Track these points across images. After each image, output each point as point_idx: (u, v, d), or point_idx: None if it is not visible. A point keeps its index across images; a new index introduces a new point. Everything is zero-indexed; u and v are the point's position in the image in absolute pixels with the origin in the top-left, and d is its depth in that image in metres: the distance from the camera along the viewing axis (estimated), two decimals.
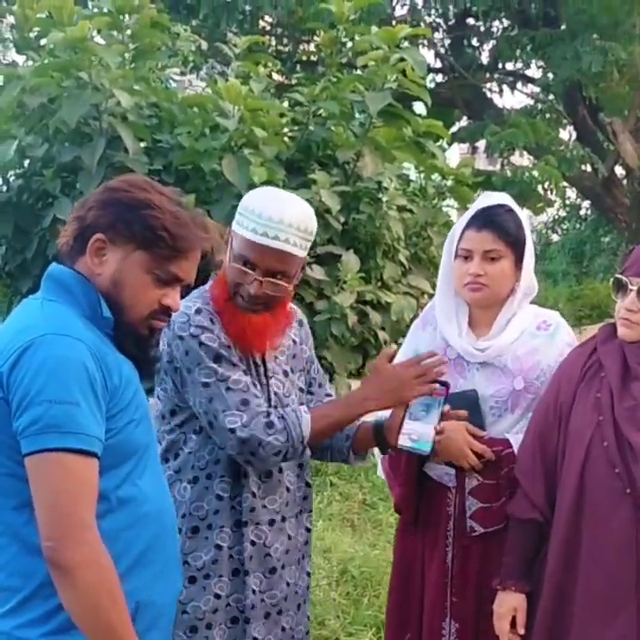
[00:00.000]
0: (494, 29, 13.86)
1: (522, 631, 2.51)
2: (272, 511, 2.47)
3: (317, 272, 6.19)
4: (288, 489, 2.51)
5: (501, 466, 2.61)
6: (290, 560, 2.53)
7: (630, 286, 2.38)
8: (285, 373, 2.54)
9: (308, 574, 2.65)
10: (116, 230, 1.91)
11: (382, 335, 6.66)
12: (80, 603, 1.74)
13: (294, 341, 2.61)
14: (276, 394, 2.48)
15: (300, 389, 2.59)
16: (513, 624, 2.52)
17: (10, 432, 1.77)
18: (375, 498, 5.48)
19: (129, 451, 1.90)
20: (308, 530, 2.64)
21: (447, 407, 2.58)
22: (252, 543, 2.44)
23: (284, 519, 2.50)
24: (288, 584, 2.52)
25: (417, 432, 2.44)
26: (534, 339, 2.69)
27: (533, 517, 2.49)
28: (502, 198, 2.74)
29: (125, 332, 1.94)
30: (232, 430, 2.31)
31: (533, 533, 2.52)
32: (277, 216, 2.34)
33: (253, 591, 2.44)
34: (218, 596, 2.41)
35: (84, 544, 1.74)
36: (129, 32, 6.10)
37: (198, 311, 2.41)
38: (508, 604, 2.51)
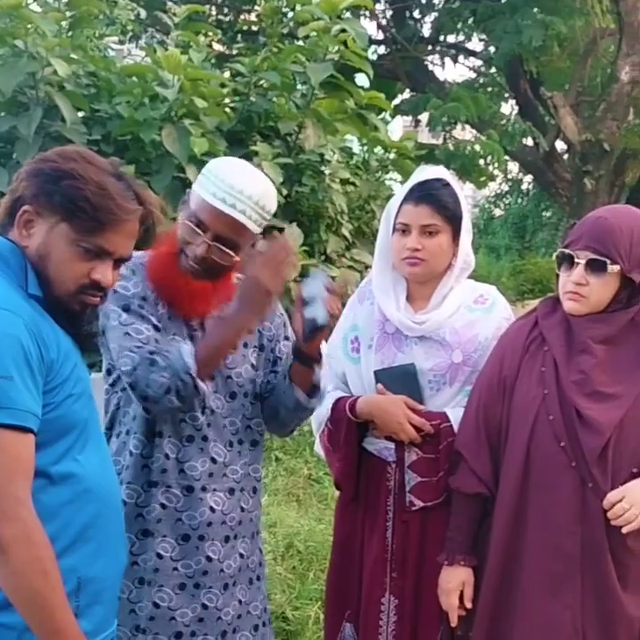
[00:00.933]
0: (436, 1, 13.82)
1: (469, 605, 2.53)
2: (191, 477, 2.42)
3: (261, 245, 6.12)
4: (214, 460, 2.45)
5: (440, 440, 2.61)
6: (213, 533, 2.46)
7: (577, 260, 2.38)
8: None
9: (242, 556, 2.55)
10: (39, 202, 1.86)
11: None
12: (13, 580, 1.72)
13: (215, 305, 2.52)
14: None
15: (252, 366, 2.54)
16: (460, 598, 2.52)
17: None
18: (320, 472, 5.48)
19: (68, 426, 1.86)
20: (242, 509, 2.55)
21: (379, 385, 2.61)
22: (162, 506, 2.40)
23: (205, 489, 2.44)
24: (209, 559, 2.46)
25: (312, 313, 2.32)
26: (472, 312, 2.70)
27: (479, 492, 2.50)
28: (439, 172, 2.73)
29: (56, 307, 1.89)
30: (125, 373, 2.30)
31: (478, 507, 2.53)
32: (239, 186, 2.33)
33: (159, 555, 2.40)
34: None
35: (17, 520, 1.70)
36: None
37: None
38: (457, 579, 2.52)
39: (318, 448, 2.90)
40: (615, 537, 2.31)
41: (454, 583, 2.52)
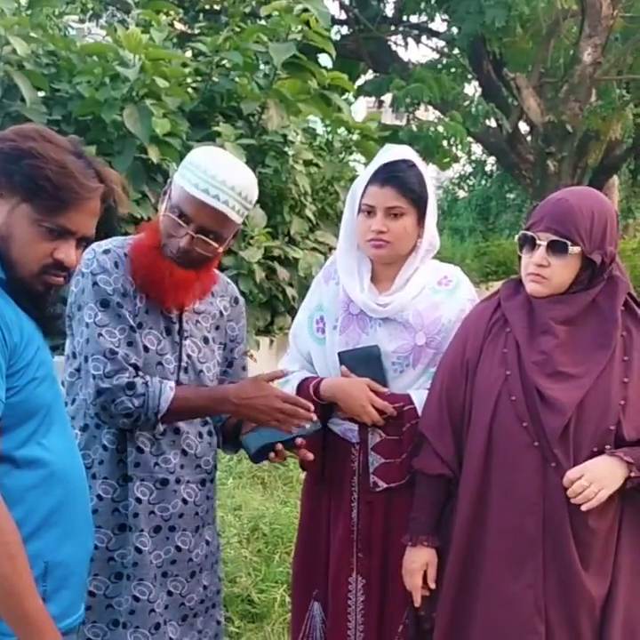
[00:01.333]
0: None
1: (433, 585, 2.54)
2: (165, 470, 2.42)
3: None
4: (185, 452, 2.46)
5: (403, 422, 2.62)
6: (184, 524, 2.48)
7: (538, 241, 2.39)
8: (205, 340, 2.52)
9: (208, 543, 2.57)
10: (0, 182, 1.82)
11: (290, 291, 6.63)
12: None
13: (221, 313, 2.58)
14: (188, 356, 2.46)
15: (218, 362, 2.56)
16: (424, 579, 2.53)
17: None
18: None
19: (31, 410, 1.84)
20: (209, 497, 2.59)
21: (343, 367, 2.63)
22: (138, 500, 2.40)
23: (179, 481, 2.45)
24: (179, 549, 2.47)
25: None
26: (435, 294, 2.70)
27: (443, 473, 2.51)
28: (404, 152, 2.72)
29: (19, 289, 1.85)
30: (93, 376, 2.30)
31: (442, 488, 2.54)
32: (222, 176, 2.33)
33: (138, 549, 2.40)
34: (95, 547, 2.34)
35: None
36: None
37: (106, 251, 2.39)
38: (420, 560, 2.53)
39: None
40: (577, 517, 2.32)
41: (417, 564, 2.53)
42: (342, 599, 2.71)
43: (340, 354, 2.68)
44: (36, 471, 1.84)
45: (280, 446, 2.41)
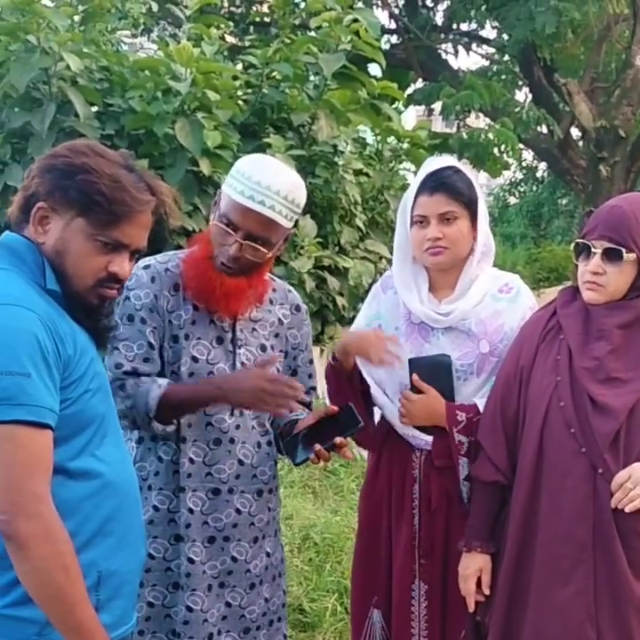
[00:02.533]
0: None
1: (487, 591, 2.55)
2: (217, 480, 2.44)
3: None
4: (241, 462, 2.48)
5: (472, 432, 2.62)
6: (239, 534, 2.49)
7: (594, 249, 2.39)
8: (262, 347, 2.52)
9: (268, 555, 2.58)
10: (54, 198, 1.86)
11: (340, 300, 6.65)
12: (34, 576, 1.72)
13: (281, 321, 2.59)
14: (243, 364, 2.47)
15: (277, 370, 2.55)
16: (478, 584, 2.55)
17: None
18: (336, 464, 5.48)
19: (85, 421, 1.87)
20: (270, 509, 2.59)
21: (415, 376, 2.62)
22: (190, 511, 2.43)
23: (231, 491, 2.46)
24: (235, 559, 2.49)
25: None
26: (497, 302, 2.69)
27: (497, 480, 2.51)
28: (448, 160, 2.74)
29: (74, 302, 1.90)
30: None
31: (497, 495, 2.55)
32: (266, 182, 2.34)
33: (190, 560, 2.42)
34: (152, 557, 2.40)
35: (37, 517, 1.71)
36: None
37: (146, 267, 2.44)
38: (474, 566, 2.54)
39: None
40: (625, 522, 2.31)
41: (471, 569, 2.55)
42: (406, 606, 2.72)
43: (410, 360, 2.66)
44: (90, 482, 1.86)
45: (318, 446, 2.37)
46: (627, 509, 2.28)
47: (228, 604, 2.49)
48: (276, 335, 2.58)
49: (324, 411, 2.45)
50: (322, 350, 6.75)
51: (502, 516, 2.54)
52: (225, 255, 2.37)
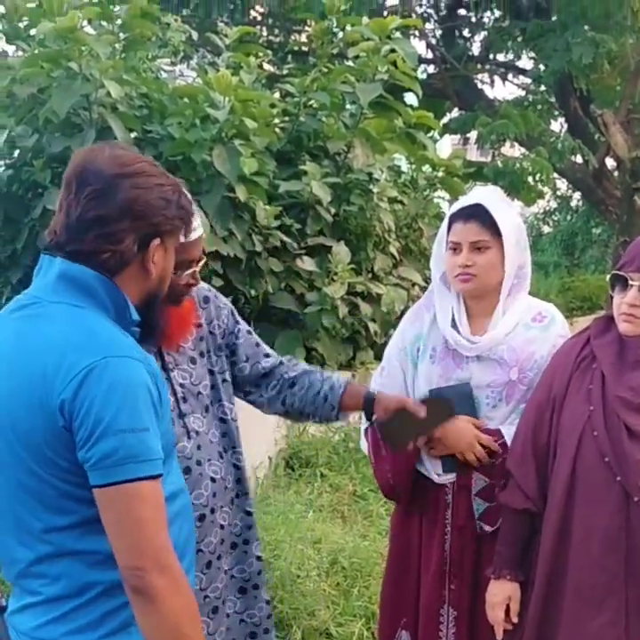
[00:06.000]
0: (485, 20, 13.78)
1: (515, 620, 2.55)
2: (199, 506, 2.41)
3: (308, 263, 6.19)
4: (213, 479, 2.46)
5: (496, 457, 2.64)
6: (225, 548, 2.50)
7: (631, 282, 2.40)
8: (193, 360, 2.50)
9: (259, 559, 2.61)
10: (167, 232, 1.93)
11: (373, 327, 6.68)
12: (164, 628, 1.74)
13: (199, 325, 2.55)
14: (181, 385, 2.44)
15: (210, 371, 2.54)
16: (506, 612, 2.55)
17: (70, 458, 1.75)
18: (365, 489, 5.48)
19: (169, 450, 1.91)
20: (248, 513, 2.60)
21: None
22: None
23: (213, 511, 2.45)
24: (225, 571, 2.50)
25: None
26: (529, 330, 2.71)
27: (527, 508, 2.52)
28: (490, 190, 2.79)
29: (156, 311, 1.98)
30: None
31: (526, 523, 2.55)
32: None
33: None
34: None
35: (168, 570, 1.74)
36: (119, 22, 6.05)
37: None
38: (503, 593, 2.55)
39: (363, 445, 2.92)
40: None
41: (500, 597, 2.55)
42: (434, 630, 2.74)
43: (431, 391, 2.71)
44: (170, 507, 1.86)
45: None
46: None
47: (228, 615, 2.52)
48: (201, 339, 2.54)
49: (407, 404, 2.53)
50: (353, 375, 6.77)
51: (532, 545, 2.54)
52: (178, 288, 2.34)
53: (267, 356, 2.68)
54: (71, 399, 1.71)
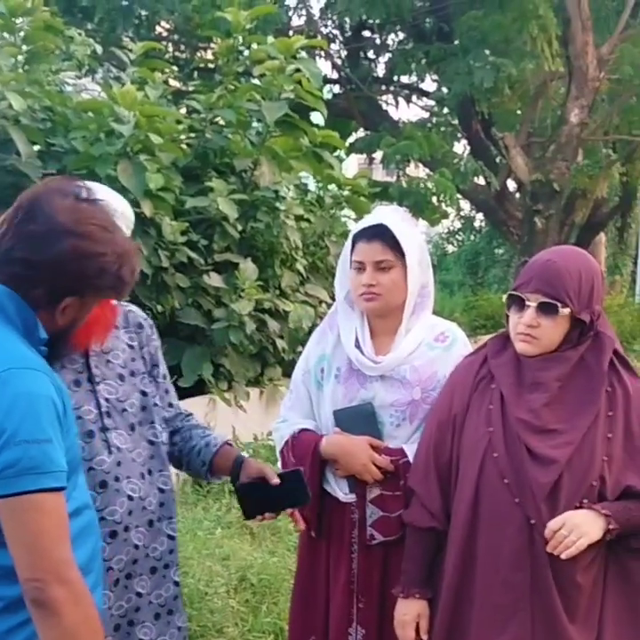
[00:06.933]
0: (390, 42, 14.03)
1: (425, 637, 2.55)
2: (112, 522, 2.34)
3: (215, 280, 6.17)
4: (130, 497, 2.39)
5: (399, 475, 2.65)
6: (139, 570, 2.43)
7: (528, 303, 2.41)
8: (121, 377, 2.46)
9: (176, 584, 2.54)
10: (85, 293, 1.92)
11: (280, 343, 6.69)
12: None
13: (131, 346, 2.53)
14: (106, 399, 2.40)
15: (142, 393, 2.51)
16: (416, 630, 2.55)
17: None
18: None
19: (75, 465, 1.88)
20: (171, 537, 2.53)
21: (337, 429, 2.69)
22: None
23: (127, 529, 2.38)
24: (139, 594, 2.43)
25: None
26: (431, 350, 2.73)
27: (432, 526, 2.53)
28: (393, 210, 2.80)
29: (62, 345, 1.96)
30: None
31: (432, 541, 2.56)
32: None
33: None
34: None
35: (68, 582, 1.72)
36: (22, 34, 5.97)
37: None
38: (413, 612, 2.54)
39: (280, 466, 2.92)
40: (562, 572, 2.33)
41: (410, 616, 2.55)
42: None
43: (334, 412, 2.72)
44: (75, 523, 1.85)
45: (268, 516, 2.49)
46: (563, 556, 2.29)
47: None
48: (133, 360, 2.52)
49: (267, 474, 2.48)
50: (261, 392, 6.76)
51: (437, 561, 2.54)
52: None
53: (170, 405, 2.66)
54: None
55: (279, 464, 2.88)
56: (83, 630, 1.72)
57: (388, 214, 2.73)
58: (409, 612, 2.55)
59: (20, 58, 5.96)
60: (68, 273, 1.84)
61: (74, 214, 1.86)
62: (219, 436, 2.67)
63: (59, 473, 1.74)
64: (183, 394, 2.81)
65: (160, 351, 2.65)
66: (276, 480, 2.47)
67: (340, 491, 2.74)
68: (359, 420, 2.68)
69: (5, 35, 6.01)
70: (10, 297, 1.83)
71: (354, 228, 2.85)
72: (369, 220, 2.74)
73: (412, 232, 2.74)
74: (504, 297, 2.53)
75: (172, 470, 2.58)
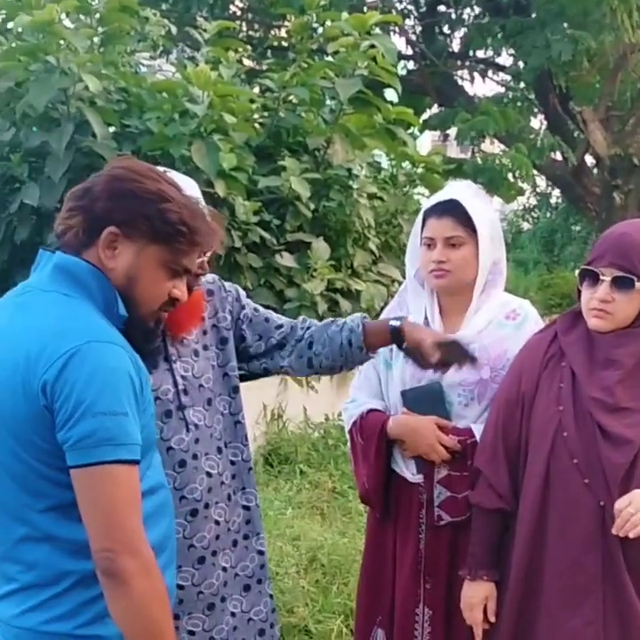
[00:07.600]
0: (465, 17, 13.81)
1: (493, 619, 2.53)
2: (192, 501, 2.40)
3: (287, 259, 6.18)
4: (209, 474, 2.43)
5: (467, 455, 2.62)
6: (222, 545, 2.48)
7: (602, 277, 2.35)
8: (196, 352, 2.48)
9: (260, 553, 2.59)
10: (132, 224, 1.87)
11: None
12: (132, 610, 1.74)
13: (202, 317, 2.53)
14: (183, 377, 2.43)
15: (217, 366, 2.53)
16: (484, 612, 2.53)
17: (50, 439, 1.75)
18: (345, 486, 5.47)
19: (149, 444, 1.91)
20: (246, 507, 2.57)
21: (404, 409, 2.67)
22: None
23: (207, 506, 2.43)
24: (225, 569, 2.48)
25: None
26: (502, 328, 2.69)
27: (500, 507, 2.50)
28: (465, 186, 2.76)
29: (136, 326, 1.92)
30: None
31: (499, 522, 2.52)
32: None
33: (179, 586, 2.34)
34: None
35: (140, 554, 1.74)
36: (97, 16, 6.03)
37: None
38: (481, 594, 2.52)
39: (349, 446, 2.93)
40: (633, 553, 2.30)
41: (477, 598, 2.53)
42: (409, 630, 2.72)
43: (402, 393, 2.70)
44: (150, 501, 1.87)
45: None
46: (631, 535, 2.25)
47: (233, 614, 2.50)
48: (204, 332, 2.53)
49: (423, 348, 2.46)
50: None
51: (504, 543, 2.52)
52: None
53: (279, 327, 2.63)
54: (53, 381, 1.73)
55: (348, 445, 2.88)
56: (151, 601, 1.74)
57: (460, 189, 2.70)
58: (476, 594, 2.53)
59: (95, 39, 6.03)
60: (112, 194, 1.86)
61: (155, 173, 1.91)
62: (353, 318, 2.62)
63: (134, 445, 1.77)
64: (255, 374, 2.82)
65: (241, 297, 2.64)
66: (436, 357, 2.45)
67: (408, 471, 2.73)
68: (427, 399, 2.66)
69: (81, 16, 6.08)
70: (92, 273, 1.86)
71: (425, 203, 2.81)
72: (440, 196, 2.70)
73: (484, 208, 2.70)
74: (576, 273, 2.48)
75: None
